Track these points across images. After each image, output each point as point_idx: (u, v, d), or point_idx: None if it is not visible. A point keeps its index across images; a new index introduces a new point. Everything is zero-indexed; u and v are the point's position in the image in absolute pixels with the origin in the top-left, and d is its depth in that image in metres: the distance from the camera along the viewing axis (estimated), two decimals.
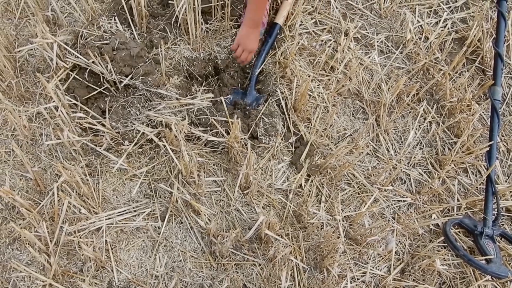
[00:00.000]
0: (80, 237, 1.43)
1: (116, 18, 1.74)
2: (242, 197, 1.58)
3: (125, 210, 1.52)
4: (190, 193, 1.54)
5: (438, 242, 1.54)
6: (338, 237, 1.53)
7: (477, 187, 1.71)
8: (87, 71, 1.62)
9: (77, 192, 1.48)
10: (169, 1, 1.84)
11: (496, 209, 1.62)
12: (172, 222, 1.52)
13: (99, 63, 1.57)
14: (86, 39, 1.65)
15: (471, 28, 1.99)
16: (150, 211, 1.53)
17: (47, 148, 1.57)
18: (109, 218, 1.49)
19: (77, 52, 1.62)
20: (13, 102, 1.62)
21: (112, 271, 1.43)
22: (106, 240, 1.45)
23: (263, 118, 1.71)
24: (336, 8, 2.03)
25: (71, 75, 1.63)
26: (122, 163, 1.53)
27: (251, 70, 1.81)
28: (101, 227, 1.46)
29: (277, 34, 1.84)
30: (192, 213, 1.53)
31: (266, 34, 1.86)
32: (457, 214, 1.65)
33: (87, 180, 1.51)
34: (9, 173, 1.53)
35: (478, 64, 1.97)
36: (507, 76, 1.99)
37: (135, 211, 1.52)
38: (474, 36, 1.96)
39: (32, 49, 1.71)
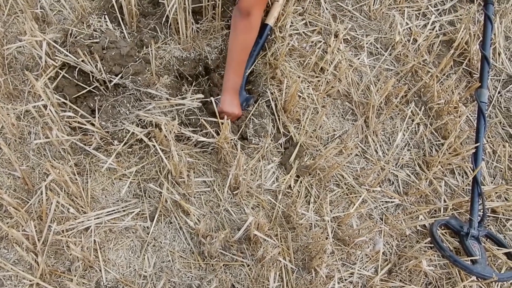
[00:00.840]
0: (68, 237, 1.43)
1: (106, 16, 1.73)
2: (231, 198, 1.59)
3: (114, 210, 1.51)
4: (180, 193, 1.54)
5: (425, 243, 1.56)
6: (327, 238, 1.54)
7: (463, 188, 1.74)
8: (77, 69, 1.61)
9: (65, 191, 1.47)
10: (160, 0, 1.84)
11: (481, 210, 1.64)
12: (161, 222, 1.52)
13: (89, 62, 1.56)
14: (75, 37, 1.64)
15: (458, 31, 2.02)
16: (139, 211, 1.53)
17: (35, 147, 1.56)
18: (98, 218, 1.48)
19: (67, 51, 1.61)
20: (1, 100, 1.61)
21: (100, 270, 1.42)
22: (94, 240, 1.44)
23: (252, 119, 1.72)
24: (326, 9, 2.04)
25: (60, 73, 1.62)
26: (111, 162, 1.52)
27: None
28: (90, 226, 1.46)
29: (267, 35, 1.85)
30: (181, 213, 1.53)
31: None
32: (443, 215, 1.68)
33: (76, 179, 1.50)
34: None
35: (465, 67, 2.00)
36: (493, 79, 2.02)
37: (124, 211, 1.52)
38: (462, 38, 1.99)
39: (20, 47, 1.69)
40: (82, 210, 1.48)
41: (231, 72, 1.68)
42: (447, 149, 1.76)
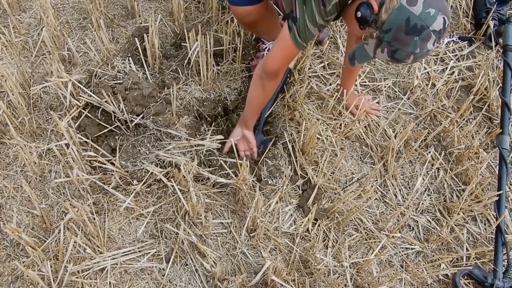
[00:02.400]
0: (84, 278, 1.41)
1: (130, 58, 1.78)
2: (248, 240, 1.57)
3: (130, 250, 1.50)
4: (196, 235, 1.52)
5: None
6: (346, 285, 1.50)
7: (486, 237, 1.69)
8: (100, 109, 1.64)
9: (83, 230, 1.47)
10: (182, 43, 1.89)
11: (506, 260, 1.59)
12: (177, 264, 1.50)
13: (112, 102, 1.60)
14: (100, 78, 1.69)
15: (477, 77, 2.03)
16: (155, 252, 1.51)
17: (55, 185, 1.57)
18: (114, 258, 1.47)
19: (91, 91, 1.65)
20: (24, 138, 1.64)
21: None
22: (109, 282, 1.42)
23: (266, 161, 1.71)
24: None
25: (83, 113, 1.66)
26: (129, 202, 1.52)
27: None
28: (106, 267, 1.44)
29: (287, 78, 1.87)
30: (197, 255, 1.51)
31: None
32: (466, 264, 1.63)
33: (94, 218, 1.50)
34: (16, 209, 1.53)
35: (485, 112, 1.99)
36: None
37: (140, 251, 1.50)
38: (481, 84, 1.99)
39: (46, 87, 1.74)
40: (98, 250, 1.47)
41: (253, 117, 1.69)
42: (468, 196, 1.72)
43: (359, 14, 1.21)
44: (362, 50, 1.29)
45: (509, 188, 1.82)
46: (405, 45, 1.16)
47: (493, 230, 1.64)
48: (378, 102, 1.95)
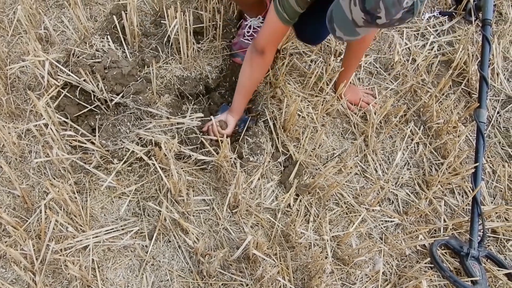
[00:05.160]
0: (67, 256, 1.42)
1: (108, 36, 1.76)
2: (230, 216, 1.59)
3: (112, 229, 1.51)
4: (179, 212, 1.54)
5: (425, 263, 1.55)
6: (326, 257, 1.53)
7: (463, 208, 1.73)
8: (78, 89, 1.63)
9: (64, 210, 1.48)
10: (162, 21, 1.87)
11: (481, 230, 1.63)
12: (160, 241, 1.52)
13: (91, 81, 1.58)
14: (78, 57, 1.67)
15: (457, 51, 2.04)
16: (138, 230, 1.52)
17: (35, 165, 1.57)
18: (96, 237, 1.48)
19: (69, 70, 1.63)
20: (2, 118, 1.62)
21: None
22: (92, 259, 1.44)
23: (246, 138, 1.72)
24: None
25: (62, 92, 1.64)
26: (111, 181, 1.53)
27: None
28: (88, 245, 1.45)
29: None
30: (180, 232, 1.52)
31: None
32: (443, 235, 1.67)
33: (75, 198, 1.51)
34: None
35: (464, 87, 2.01)
36: (492, 99, 2.03)
37: (123, 229, 1.52)
38: (460, 59, 2.01)
39: (23, 66, 1.72)
40: (81, 229, 1.48)
41: (241, 98, 1.70)
42: (446, 169, 1.76)
43: None
44: (338, 7, 1.21)
45: (486, 160, 1.86)
46: None
47: (470, 201, 1.68)
48: (360, 80, 1.96)
